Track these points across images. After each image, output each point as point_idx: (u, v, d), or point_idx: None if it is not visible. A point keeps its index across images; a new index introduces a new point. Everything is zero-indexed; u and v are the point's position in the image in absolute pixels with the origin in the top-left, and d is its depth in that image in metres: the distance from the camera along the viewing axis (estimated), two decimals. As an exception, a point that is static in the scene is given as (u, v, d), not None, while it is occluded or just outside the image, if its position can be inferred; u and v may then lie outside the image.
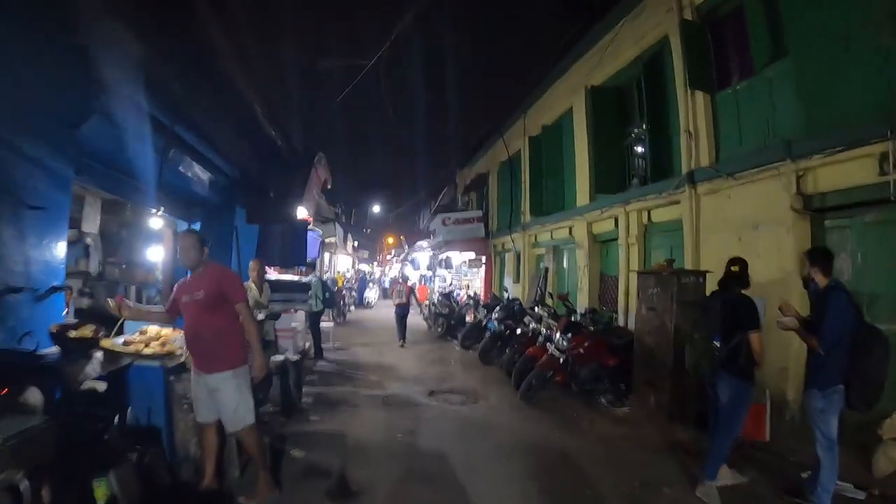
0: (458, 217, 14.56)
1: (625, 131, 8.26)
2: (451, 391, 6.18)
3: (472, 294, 12.31)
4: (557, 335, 5.49)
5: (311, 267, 8.98)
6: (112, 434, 2.90)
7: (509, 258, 13.30)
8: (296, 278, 8.38)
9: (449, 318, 11.12)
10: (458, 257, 15.83)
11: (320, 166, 7.65)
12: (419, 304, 11.67)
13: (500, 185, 14.36)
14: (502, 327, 7.75)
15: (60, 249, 3.13)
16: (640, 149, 7.97)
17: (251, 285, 5.39)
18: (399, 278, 12.67)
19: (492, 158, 14.80)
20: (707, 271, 5.23)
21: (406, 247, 25.73)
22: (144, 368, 3.27)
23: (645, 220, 7.52)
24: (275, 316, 5.67)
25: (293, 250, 6.89)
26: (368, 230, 38.81)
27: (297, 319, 7.17)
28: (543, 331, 6.09)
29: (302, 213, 7.14)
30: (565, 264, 10.58)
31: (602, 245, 9.05)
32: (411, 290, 10.71)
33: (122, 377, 3.15)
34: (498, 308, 8.10)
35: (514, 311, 7.82)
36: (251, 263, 5.67)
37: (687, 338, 4.85)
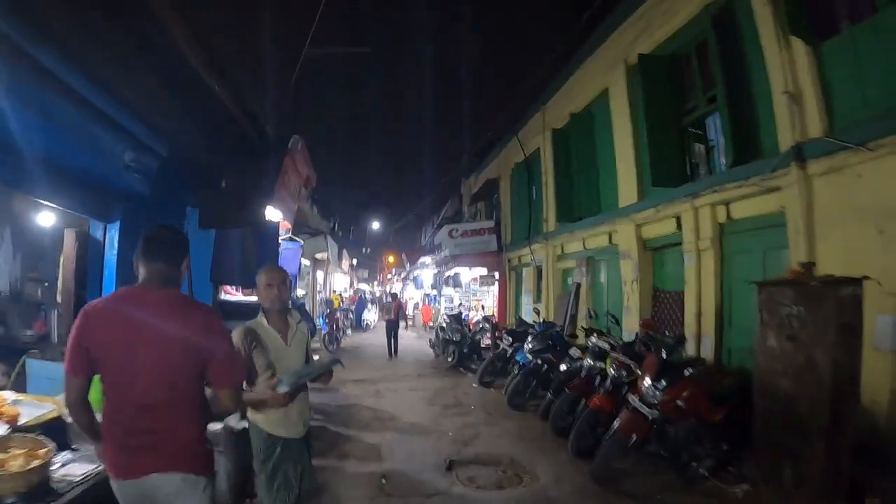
0: (466, 228, 12.83)
1: (684, 109, 6.59)
2: (480, 461, 4.31)
3: (485, 316, 10.45)
4: (646, 382, 3.65)
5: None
6: None
7: (528, 274, 11.51)
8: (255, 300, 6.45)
9: (461, 345, 9.28)
10: (468, 274, 14.02)
11: (298, 156, 5.95)
12: (425, 326, 12.20)
13: (514, 190, 12.68)
14: (538, 361, 5.91)
15: None
16: (709, 128, 6.28)
17: (262, 324, 2.61)
18: (388, 296, 13.13)
19: (503, 162, 13.18)
20: (864, 277, 3.47)
21: (408, 264, 23.97)
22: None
23: (722, 216, 5.78)
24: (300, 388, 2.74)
25: (260, 264, 5.12)
26: (368, 249, 37.30)
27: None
28: (611, 372, 4.25)
29: (273, 215, 5.40)
30: (603, 278, 8.77)
31: (655, 253, 7.27)
32: (399, 305, 11.69)
33: None
34: (531, 338, 6.27)
35: (553, 342, 5.99)
36: (263, 275, 2.72)
37: (852, 381, 3.16)
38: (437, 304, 18.20)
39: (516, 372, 6.38)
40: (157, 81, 3.58)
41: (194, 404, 1.78)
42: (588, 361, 4.91)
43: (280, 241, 7.19)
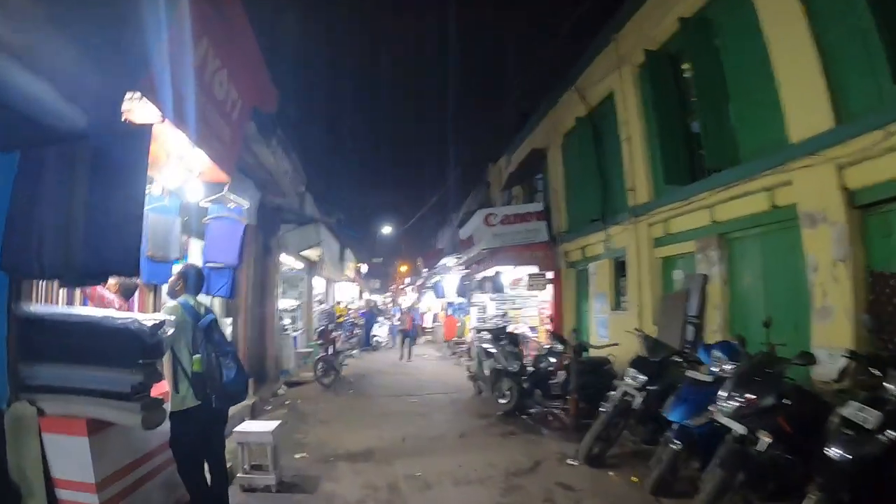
0: (508, 213, 9.67)
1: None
2: None
3: (554, 332, 7.20)
4: None
5: (193, 283, 3.23)
6: None
7: (599, 269, 8.28)
8: (121, 317, 2.57)
9: (518, 377, 6.05)
10: (509, 274, 10.77)
11: (228, 22, 2.91)
12: (448, 343, 11.38)
13: (569, 161, 9.52)
14: (747, 433, 2.67)
15: None
16: None
17: None
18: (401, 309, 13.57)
19: (550, 128, 10.05)
20: None
21: (424, 270, 20.83)
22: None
23: None
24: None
25: (104, 234, 2.02)
26: (379, 260, 34.56)
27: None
28: None
29: (147, 113, 2.31)
30: (752, 265, 5.52)
31: (869, 213, 4.07)
32: (413, 318, 14.16)
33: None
34: (732, 382, 2.97)
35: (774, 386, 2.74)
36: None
37: None
38: (462, 315, 14.96)
39: (674, 444, 3.17)
40: None
41: None
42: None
43: (207, 202, 4.09)
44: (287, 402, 6.86)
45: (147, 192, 3.61)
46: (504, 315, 10.73)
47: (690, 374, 3.60)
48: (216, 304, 5.65)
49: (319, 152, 12.75)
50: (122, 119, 2.25)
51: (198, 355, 2.51)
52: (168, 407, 2.50)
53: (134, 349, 2.06)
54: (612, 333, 7.53)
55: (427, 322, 20.94)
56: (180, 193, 3.75)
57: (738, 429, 2.89)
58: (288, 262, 10.18)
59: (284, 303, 9.74)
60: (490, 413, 6.06)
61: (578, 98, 8.59)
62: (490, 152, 15.30)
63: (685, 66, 6.27)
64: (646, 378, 3.82)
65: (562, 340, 6.29)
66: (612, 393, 3.93)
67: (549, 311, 10.16)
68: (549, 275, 9.49)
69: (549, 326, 9.44)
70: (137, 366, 2.08)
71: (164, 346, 2.36)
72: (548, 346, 6.46)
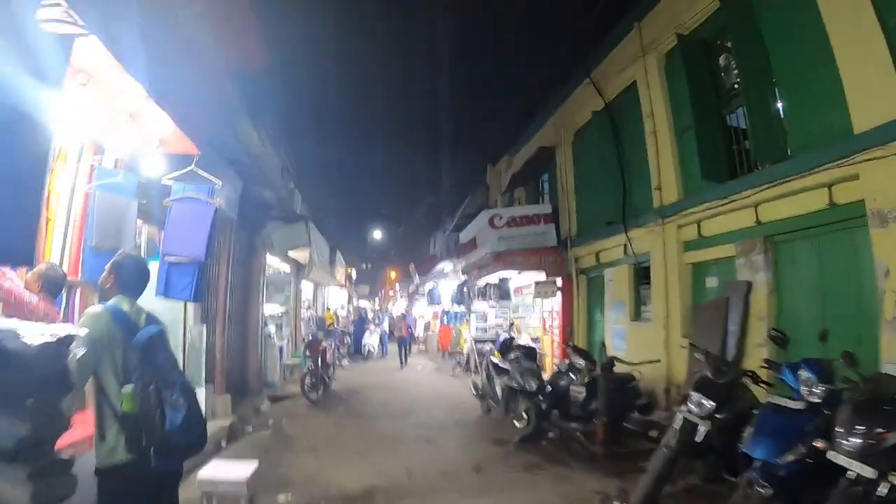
0: (514, 215, 8.98)
1: None
2: None
3: (574, 345, 6.48)
4: None
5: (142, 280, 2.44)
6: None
7: (616, 276, 7.63)
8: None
9: (535, 395, 5.33)
10: (516, 280, 10.04)
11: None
12: (443, 353, 12.43)
13: (581, 159, 8.92)
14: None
15: None
16: None
17: None
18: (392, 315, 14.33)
19: (560, 125, 9.44)
20: None
21: (416, 276, 20.03)
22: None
23: None
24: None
25: None
26: (369, 265, 33.65)
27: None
28: None
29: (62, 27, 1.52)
30: (805, 270, 4.90)
31: None
32: (408, 325, 14.39)
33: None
34: (857, 406, 2.32)
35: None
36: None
37: None
38: (458, 324, 14.18)
39: (763, 487, 2.50)
40: None
41: None
42: None
43: (170, 180, 3.29)
44: (271, 422, 6.01)
45: (96, 163, 2.84)
46: (511, 325, 9.95)
47: (775, 399, 2.91)
48: (189, 309, 4.80)
49: (307, 147, 11.93)
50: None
51: (129, 387, 1.68)
52: (96, 461, 1.68)
53: (16, 382, 1.27)
54: (631, 346, 6.87)
55: (419, 330, 20.09)
56: (138, 169, 2.96)
57: (866, 472, 2.21)
58: (274, 263, 9.34)
59: (270, 308, 8.87)
60: (505, 438, 5.29)
61: (594, 91, 7.99)
62: (489, 154, 14.66)
63: (723, 51, 5.71)
64: (713, 405, 3.12)
65: (584, 355, 5.57)
66: (677, 428, 3.21)
67: (554, 321, 9.47)
68: (558, 282, 8.81)
69: (554, 336, 8.74)
70: (22, 409, 1.29)
71: (77, 376, 1.56)
72: (567, 362, 5.74)
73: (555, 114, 9.58)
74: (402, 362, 13.19)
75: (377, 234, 26.86)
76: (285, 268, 10.04)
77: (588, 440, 5.21)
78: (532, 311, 11.26)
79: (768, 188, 4.95)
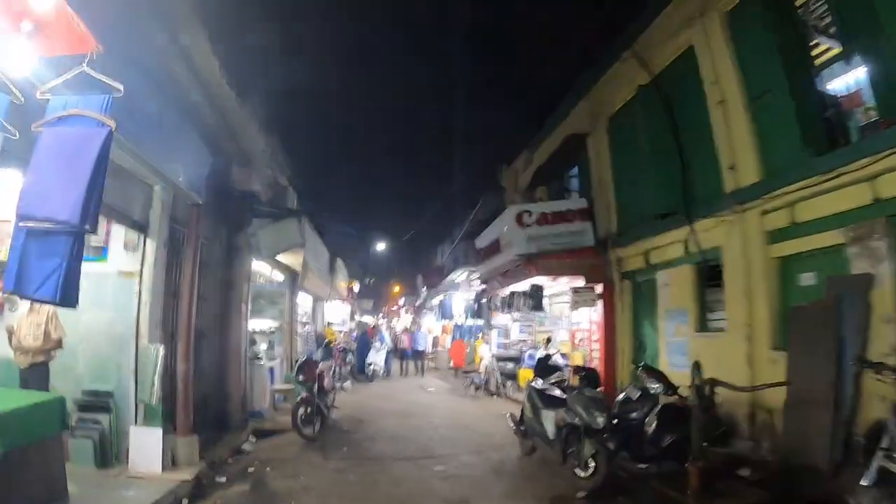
0: (545, 211, 7.74)
1: None
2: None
3: (646, 365, 5.12)
4: None
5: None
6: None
7: (673, 279, 6.37)
8: None
9: (601, 434, 4.01)
10: (548, 288, 8.70)
11: None
12: (456, 371, 11.30)
13: (621, 146, 7.72)
14: None
15: None
16: None
17: None
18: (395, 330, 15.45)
19: (593, 108, 8.29)
20: None
21: (423, 289, 18.73)
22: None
23: None
24: None
25: None
26: (371, 280, 32.48)
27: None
28: None
29: None
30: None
31: None
32: (412, 338, 14.93)
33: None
34: None
35: None
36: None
37: None
38: (472, 339, 12.84)
39: None
40: None
41: None
42: None
43: (46, 93, 2.07)
44: (251, 470, 4.67)
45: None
46: (549, 340, 8.50)
47: None
48: (127, 319, 3.53)
49: (305, 148, 10.85)
50: None
51: None
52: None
53: None
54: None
55: (427, 346, 18.66)
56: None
57: None
58: (264, 270, 8.10)
59: (258, 323, 7.59)
60: (565, 494, 3.91)
61: (636, 65, 6.83)
62: (502, 155, 13.53)
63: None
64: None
65: (659, 377, 4.28)
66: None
67: (590, 334, 8.17)
68: (598, 288, 7.53)
69: (593, 353, 7.40)
70: None
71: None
72: (635, 387, 4.44)
73: (586, 96, 8.43)
74: (404, 371, 14.74)
75: (380, 247, 25.63)
76: (278, 277, 8.79)
77: (671, 488, 3.92)
78: (559, 324, 9.95)
79: (893, 154, 3.73)
